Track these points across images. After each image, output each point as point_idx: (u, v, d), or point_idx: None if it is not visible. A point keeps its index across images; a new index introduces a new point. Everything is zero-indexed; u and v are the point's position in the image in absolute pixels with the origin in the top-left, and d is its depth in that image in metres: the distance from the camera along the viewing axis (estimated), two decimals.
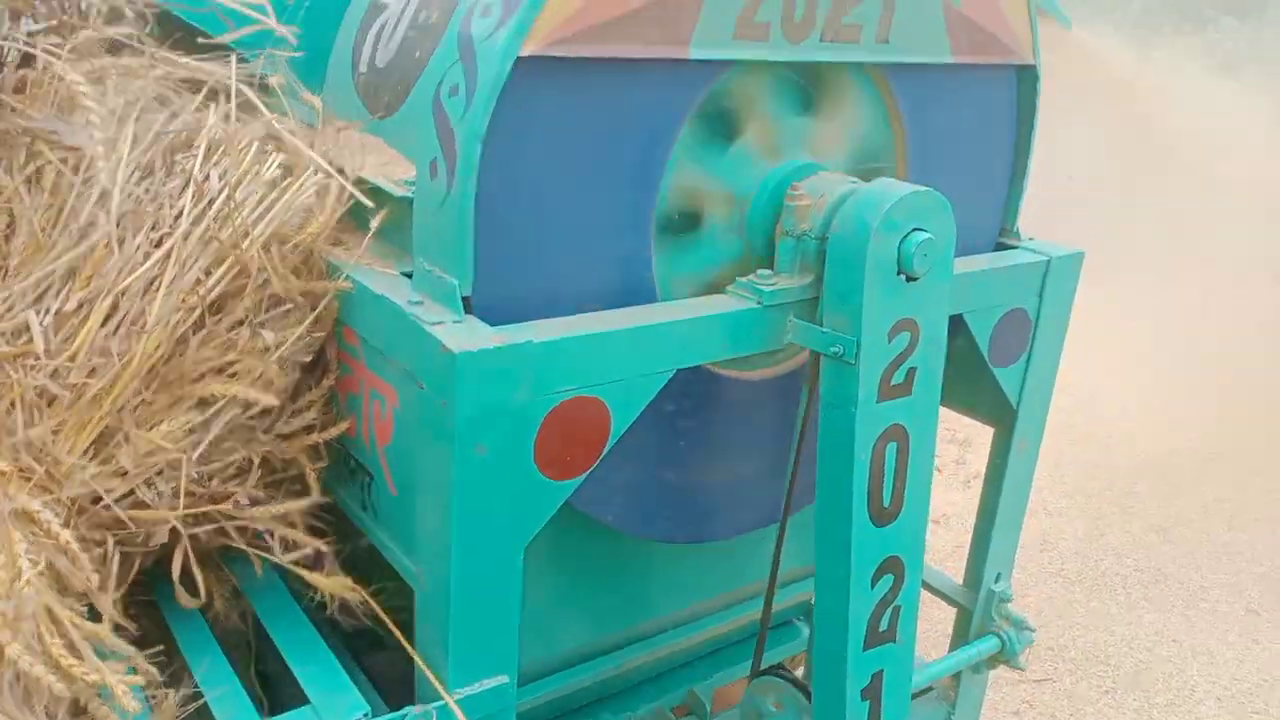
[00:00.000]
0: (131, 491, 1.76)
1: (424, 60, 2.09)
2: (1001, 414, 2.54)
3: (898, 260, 1.84)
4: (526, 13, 1.64)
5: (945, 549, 4.77)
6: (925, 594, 2.67)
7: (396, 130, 2.17)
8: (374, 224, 2.02)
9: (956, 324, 2.28)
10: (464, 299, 1.75)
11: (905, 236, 1.83)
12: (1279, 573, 4.93)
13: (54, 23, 2.00)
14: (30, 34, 1.96)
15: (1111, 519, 5.29)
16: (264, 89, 2.41)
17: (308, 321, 1.94)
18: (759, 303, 1.93)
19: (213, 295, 1.79)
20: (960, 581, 2.83)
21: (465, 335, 1.65)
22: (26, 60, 1.92)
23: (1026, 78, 2.37)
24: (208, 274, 1.79)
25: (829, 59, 2.01)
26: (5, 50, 1.89)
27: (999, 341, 2.37)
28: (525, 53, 1.66)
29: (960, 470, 5.55)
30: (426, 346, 1.68)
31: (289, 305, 1.92)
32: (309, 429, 2.06)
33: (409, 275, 1.91)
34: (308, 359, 2.01)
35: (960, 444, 5.65)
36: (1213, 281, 7.01)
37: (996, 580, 2.69)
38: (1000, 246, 2.50)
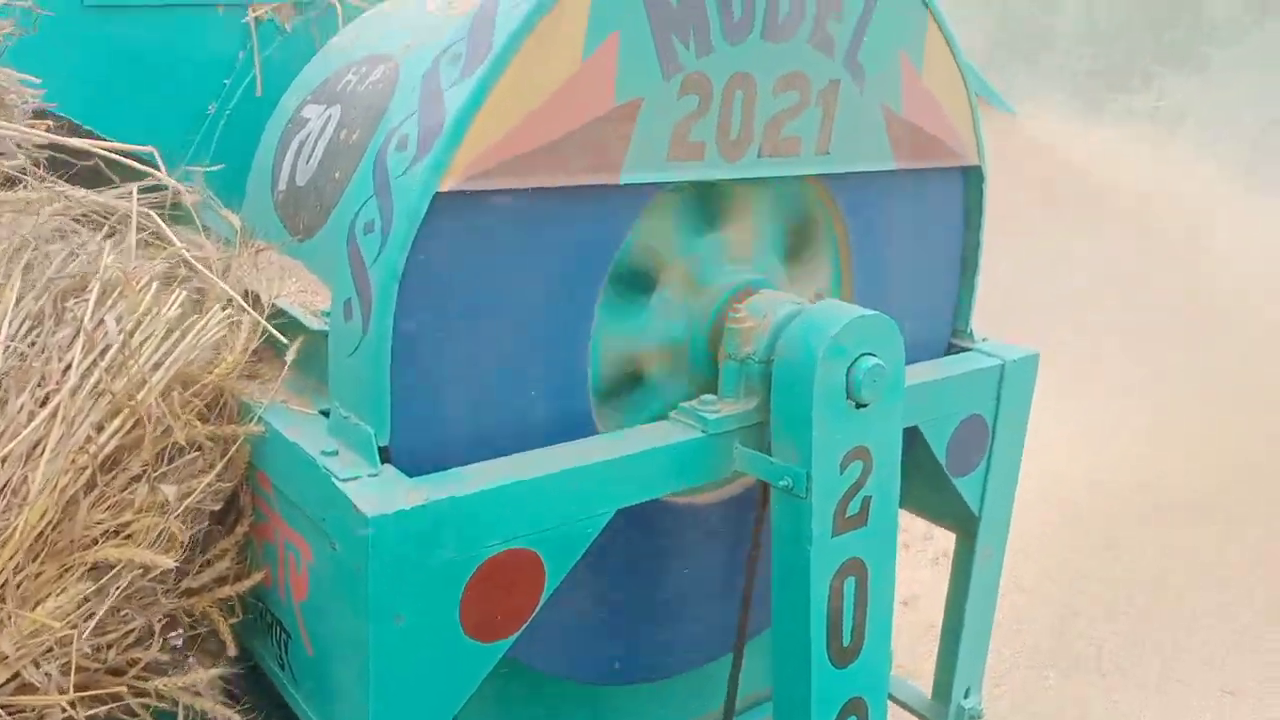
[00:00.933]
0: (16, 674, 1.59)
1: (343, 182, 1.99)
2: (963, 521, 2.43)
3: (846, 387, 1.73)
4: (444, 148, 1.53)
5: (915, 631, 4.62)
6: (892, 705, 2.53)
7: (315, 255, 2.05)
8: (289, 357, 1.89)
9: (912, 434, 2.18)
10: (381, 449, 1.61)
11: (853, 363, 1.73)
12: (1251, 643, 4.84)
13: None
14: None
15: (1083, 592, 5.18)
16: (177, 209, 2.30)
17: (216, 470, 1.79)
18: (703, 431, 1.81)
19: (106, 451, 1.64)
20: (928, 690, 2.69)
21: (381, 494, 1.52)
22: None
23: (973, 178, 2.31)
24: (100, 429, 1.64)
25: (767, 174, 1.93)
26: None
27: (956, 451, 2.27)
28: (444, 188, 1.54)
29: (928, 546, 5.42)
30: (339, 505, 1.54)
31: (194, 453, 1.78)
32: (221, 580, 1.90)
33: (328, 413, 1.78)
34: (217, 507, 1.86)
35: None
36: (1176, 343, 7.01)
37: (966, 695, 2.56)
38: (953, 348, 2.41)
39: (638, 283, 1.92)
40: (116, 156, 1.70)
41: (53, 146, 1.89)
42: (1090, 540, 5.60)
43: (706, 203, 1.96)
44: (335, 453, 1.64)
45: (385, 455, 1.62)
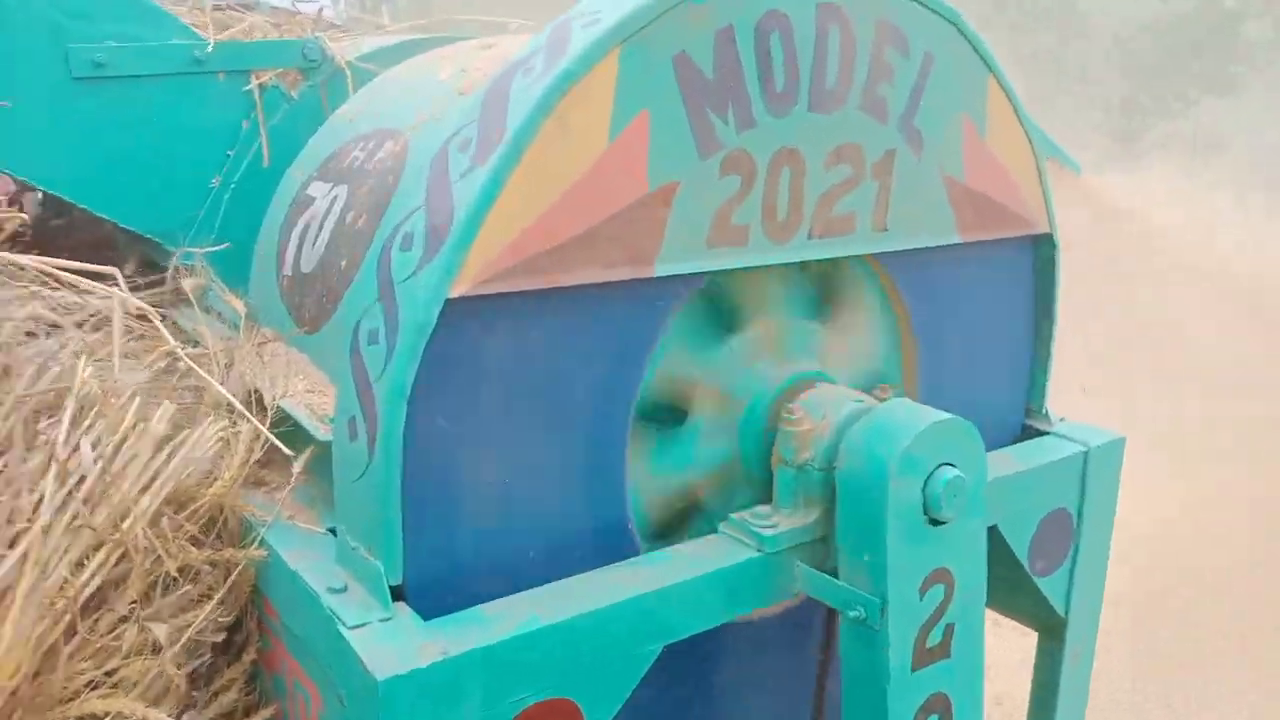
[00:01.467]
0: None
1: (349, 273, 1.81)
2: (1047, 622, 2.19)
3: (923, 504, 1.52)
4: (454, 249, 1.34)
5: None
6: None
7: (322, 350, 1.87)
8: (295, 468, 1.71)
9: (989, 532, 1.95)
10: (393, 587, 1.42)
11: (930, 475, 1.51)
12: None
13: None
14: None
15: (1145, 667, 4.90)
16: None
17: (215, 600, 1.61)
18: (759, 549, 1.60)
19: (87, 592, 1.46)
20: None
21: (392, 648, 1.32)
22: None
23: (1043, 246, 2.09)
24: (79, 567, 1.46)
25: (819, 256, 1.72)
26: None
27: (1039, 549, 2.04)
28: (454, 294, 1.35)
29: None
30: (346, 658, 1.34)
31: (189, 583, 1.59)
32: (228, 716, 1.71)
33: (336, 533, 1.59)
34: (219, 639, 1.67)
35: None
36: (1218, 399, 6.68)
37: None
38: (1028, 431, 2.19)
39: (664, 428, 1.73)
40: (75, 277, 1.51)
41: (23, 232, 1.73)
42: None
43: (712, 313, 1.75)
44: (343, 589, 1.45)
45: (398, 592, 1.43)
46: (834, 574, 1.60)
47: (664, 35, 1.47)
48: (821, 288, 1.87)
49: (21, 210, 1.88)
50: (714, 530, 1.70)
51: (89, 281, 1.69)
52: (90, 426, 1.51)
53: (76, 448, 1.48)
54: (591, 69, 1.42)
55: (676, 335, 1.67)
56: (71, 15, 2.23)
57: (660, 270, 1.54)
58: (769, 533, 1.60)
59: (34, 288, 1.69)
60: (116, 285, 1.50)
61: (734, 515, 1.67)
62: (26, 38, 2.16)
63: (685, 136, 1.52)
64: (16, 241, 1.81)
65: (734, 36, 1.54)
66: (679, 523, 1.78)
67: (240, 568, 1.64)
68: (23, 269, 1.58)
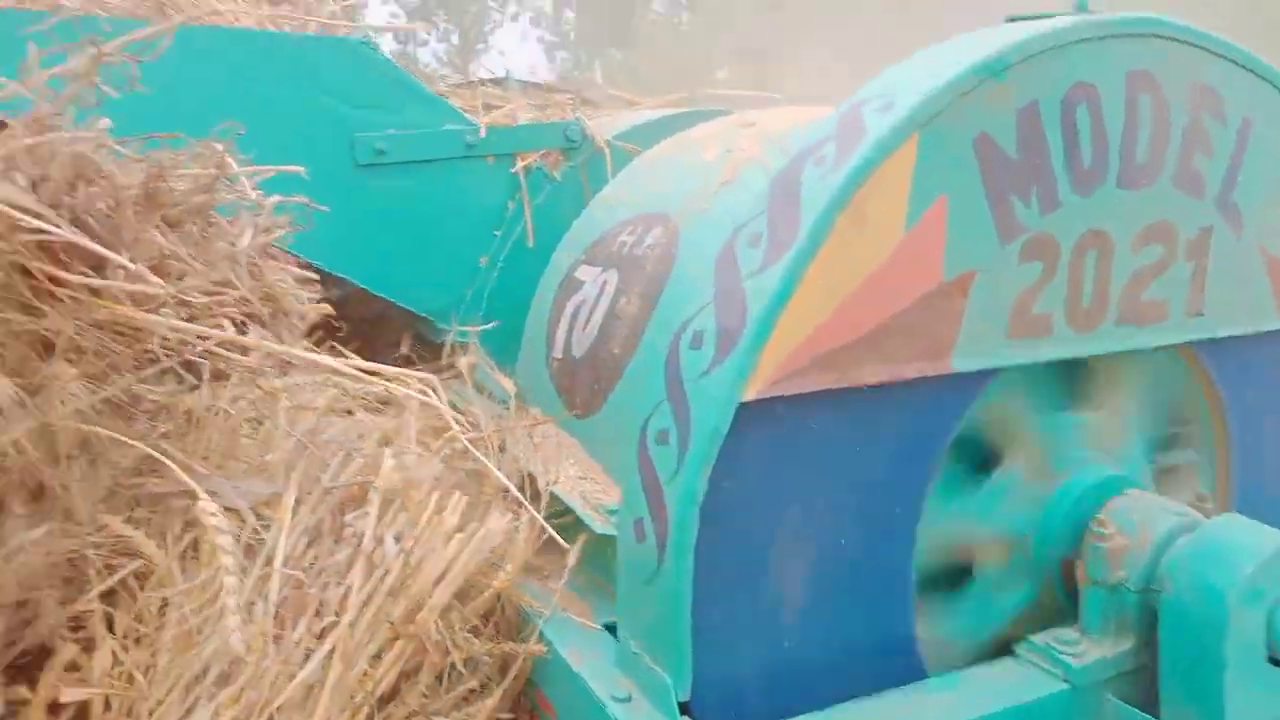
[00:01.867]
0: None
1: (622, 359, 1.81)
2: None
3: (1269, 641, 1.34)
4: (747, 350, 1.30)
5: None
6: None
7: (593, 436, 1.88)
8: (571, 560, 1.72)
9: None
10: (680, 704, 1.38)
11: (1275, 607, 1.33)
12: None
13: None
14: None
15: None
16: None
17: (496, 696, 1.62)
18: (1065, 680, 1.46)
19: (384, 685, 1.50)
20: None
21: None
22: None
23: None
24: (378, 658, 1.50)
25: (1127, 346, 1.58)
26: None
27: None
28: (749, 397, 1.31)
29: None
30: None
31: (471, 677, 1.62)
32: None
33: (613, 630, 1.58)
34: None
35: None
36: None
37: None
38: None
39: (970, 471, 1.61)
40: (394, 386, 1.57)
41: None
42: None
43: (1061, 378, 1.63)
44: (628, 699, 1.42)
45: (683, 707, 1.39)
46: (1154, 713, 1.43)
47: (964, 117, 1.39)
48: (1127, 379, 1.71)
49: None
50: (983, 603, 1.60)
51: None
52: (393, 520, 1.57)
53: (380, 543, 1.53)
54: (889, 157, 1.36)
55: (1017, 379, 1.56)
56: (356, 106, 2.39)
57: (957, 365, 1.44)
58: (1078, 662, 1.45)
59: (334, 378, 1.78)
60: (434, 391, 1.54)
61: (1035, 639, 1.53)
62: (317, 129, 2.32)
63: (985, 221, 1.43)
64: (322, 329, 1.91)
65: (1039, 112, 1.44)
66: (944, 576, 1.65)
67: (520, 662, 1.65)
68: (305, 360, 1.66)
